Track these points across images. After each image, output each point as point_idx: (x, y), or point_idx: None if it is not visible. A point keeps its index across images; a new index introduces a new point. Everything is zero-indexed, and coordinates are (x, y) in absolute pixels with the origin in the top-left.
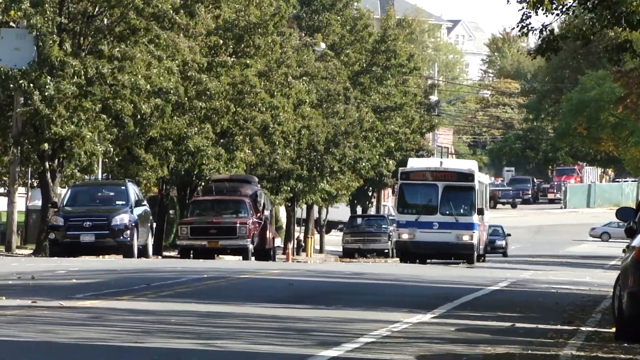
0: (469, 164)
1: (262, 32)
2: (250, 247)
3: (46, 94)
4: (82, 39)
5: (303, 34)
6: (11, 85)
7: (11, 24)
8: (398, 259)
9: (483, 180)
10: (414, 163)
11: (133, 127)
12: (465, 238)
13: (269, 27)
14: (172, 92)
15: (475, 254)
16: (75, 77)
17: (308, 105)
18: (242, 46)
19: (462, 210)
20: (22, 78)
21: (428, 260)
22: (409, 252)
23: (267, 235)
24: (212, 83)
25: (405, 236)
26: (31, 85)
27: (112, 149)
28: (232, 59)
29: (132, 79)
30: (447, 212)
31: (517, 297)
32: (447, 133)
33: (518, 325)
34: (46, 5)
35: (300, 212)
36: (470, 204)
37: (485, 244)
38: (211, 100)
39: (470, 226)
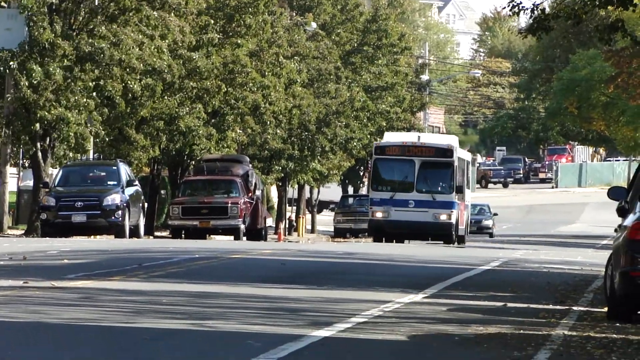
0: (448, 139)
1: (253, 11)
2: (242, 227)
3: (34, 81)
4: (72, 19)
5: (294, 14)
6: (4, 68)
7: (2, 3)
8: (371, 238)
9: (464, 156)
10: (389, 137)
11: (124, 108)
12: (443, 217)
13: (260, 6)
14: (165, 71)
15: (454, 234)
16: (65, 60)
17: (299, 84)
18: (233, 26)
19: (439, 188)
20: (11, 59)
21: (406, 241)
22: (384, 232)
23: (259, 215)
24: (202, 61)
25: (379, 215)
26: (19, 70)
27: (102, 131)
28: (219, 36)
29: (125, 58)
30: (424, 190)
31: (509, 276)
32: (439, 112)
33: (510, 305)
34: None
35: (292, 192)
36: (449, 182)
37: (467, 224)
38: (202, 80)
39: (448, 205)
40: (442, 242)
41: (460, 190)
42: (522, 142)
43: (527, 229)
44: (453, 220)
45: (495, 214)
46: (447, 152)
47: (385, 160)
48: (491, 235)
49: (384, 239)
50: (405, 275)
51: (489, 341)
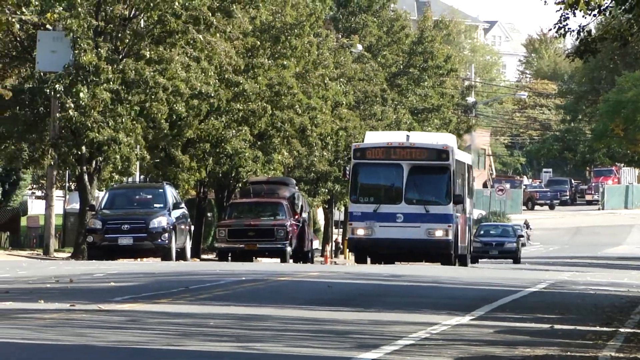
0: (444, 138)
1: (298, 33)
2: (289, 249)
3: (81, 102)
4: (118, 42)
5: (340, 36)
6: (46, 91)
7: (48, 26)
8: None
9: (464, 159)
10: (372, 137)
11: (168, 129)
12: (439, 234)
13: (305, 27)
14: (212, 95)
15: (454, 254)
16: (111, 83)
17: (345, 106)
18: (279, 47)
19: (434, 198)
20: (57, 82)
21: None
22: (367, 252)
23: (305, 238)
24: (248, 85)
25: (360, 232)
26: (65, 92)
27: (147, 155)
28: (269, 61)
29: (172, 83)
30: (415, 201)
31: (556, 298)
32: (485, 134)
33: (557, 326)
34: (80, 8)
35: (338, 214)
36: (445, 190)
37: (469, 242)
38: (248, 102)
39: (444, 218)
40: (439, 263)
41: (459, 200)
42: (569, 164)
43: (574, 251)
44: (451, 237)
45: (521, 236)
46: (442, 153)
47: (367, 166)
48: (516, 260)
49: (368, 260)
50: (451, 297)
51: None
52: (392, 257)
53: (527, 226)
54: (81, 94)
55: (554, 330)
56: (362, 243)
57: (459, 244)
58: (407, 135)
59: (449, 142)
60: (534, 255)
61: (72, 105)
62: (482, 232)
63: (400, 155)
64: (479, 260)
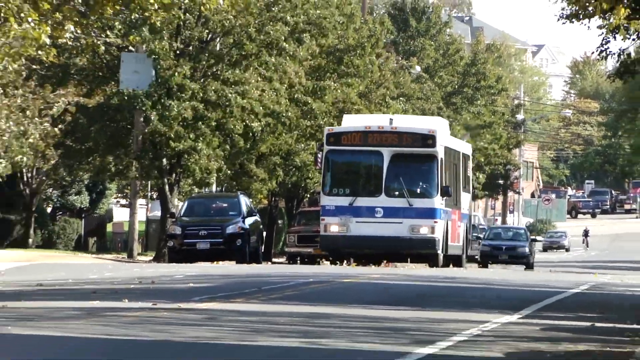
0: (432, 122)
1: (360, 53)
2: None
3: (168, 113)
4: (197, 63)
5: (400, 58)
6: (136, 106)
7: (130, 48)
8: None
9: (457, 147)
10: (349, 121)
11: (243, 144)
12: (424, 231)
13: (366, 48)
14: (283, 114)
15: (441, 254)
16: (193, 100)
17: None
18: (343, 67)
19: (418, 190)
20: (146, 98)
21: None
22: (341, 252)
23: None
24: (316, 104)
25: (334, 229)
26: (152, 106)
27: (224, 166)
28: (335, 84)
29: (247, 102)
30: (397, 193)
31: (597, 299)
32: (532, 149)
33: (597, 324)
34: (162, 31)
35: None
36: (431, 181)
37: (465, 242)
38: (316, 119)
39: (430, 213)
40: (425, 264)
41: (447, 192)
42: (609, 176)
43: (614, 256)
44: (437, 235)
45: (534, 239)
46: (428, 139)
47: (342, 153)
48: (528, 266)
49: (345, 261)
50: (501, 298)
51: (578, 358)
52: (369, 256)
53: (587, 234)
54: (172, 107)
55: (595, 328)
56: (336, 241)
57: (450, 243)
58: (391, 119)
59: (437, 127)
60: (576, 260)
61: (157, 116)
62: (491, 235)
63: (380, 140)
64: (488, 265)
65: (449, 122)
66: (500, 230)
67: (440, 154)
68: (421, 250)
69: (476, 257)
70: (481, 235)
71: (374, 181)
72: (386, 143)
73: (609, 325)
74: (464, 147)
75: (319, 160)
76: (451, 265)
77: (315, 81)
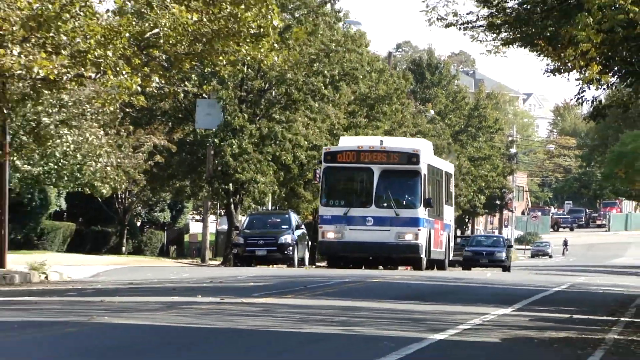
0: (417, 143)
1: (388, 102)
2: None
3: (233, 152)
4: (256, 107)
5: (417, 103)
6: (207, 143)
7: (204, 95)
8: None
9: (440, 166)
10: (345, 142)
11: (297, 171)
12: (408, 237)
13: (393, 98)
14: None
15: (424, 258)
16: (252, 137)
17: None
18: (374, 112)
19: (404, 202)
20: (214, 137)
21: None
22: (337, 256)
23: None
24: None
25: (330, 235)
26: (221, 143)
27: (278, 190)
28: (365, 120)
29: (294, 138)
30: (385, 204)
31: (574, 296)
32: (523, 176)
33: (575, 316)
34: (229, 83)
35: None
36: (415, 194)
37: (447, 248)
38: None
39: (414, 222)
40: (411, 267)
41: (429, 204)
42: (584, 198)
43: (588, 262)
44: (421, 241)
45: (510, 246)
46: (413, 157)
47: (338, 169)
48: (505, 268)
49: (339, 265)
50: (498, 295)
51: (560, 343)
52: (362, 260)
53: (566, 244)
54: (233, 146)
55: (573, 319)
56: (332, 246)
57: (432, 248)
58: (381, 140)
59: (421, 147)
60: (558, 264)
61: (230, 152)
62: (474, 242)
63: (371, 158)
64: (472, 268)
65: (457, 155)
66: (482, 238)
67: (424, 171)
68: (406, 255)
69: (456, 264)
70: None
71: (366, 194)
72: (376, 161)
73: (585, 317)
74: (447, 166)
75: (317, 175)
76: (435, 268)
77: (350, 119)
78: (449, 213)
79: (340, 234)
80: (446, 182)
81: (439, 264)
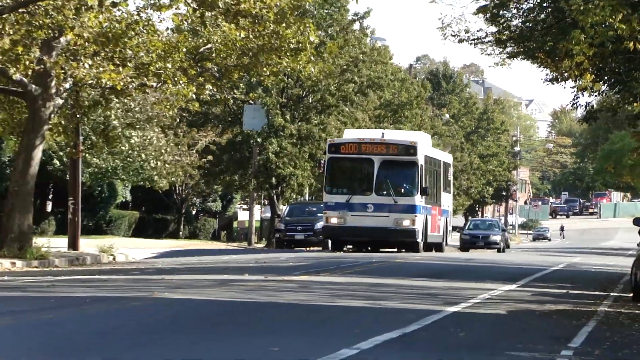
0: (414, 135)
1: (409, 107)
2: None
3: (274, 150)
4: (295, 111)
5: (434, 108)
6: (252, 142)
7: (250, 101)
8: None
9: (438, 156)
10: (349, 134)
11: None
12: (406, 223)
13: (414, 104)
14: None
15: (421, 242)
16: (292, 137)
17: None
18: (397, 116)
19: (402, 190)
20: (259, 137)
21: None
22: (340, 240)
23: None
24: None
25: (334, 220)
26: (263, 142)
27: (314, 182)
28: (390, 125)
29: (327, 135)
30: (384, 192)
31: (570, 274)
32: (525, 170)
33: (571, 291)
34: (272, 91)
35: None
36: (413, 183)
37: (444, 232)
38: None
39: (411, 209)
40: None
41: (426, 193)
42: (579, 189)
43: (582, 244)
44: (417, 227)
45: (504, 230)
46: (410, 149)
47: (341, 160)
48: (500, 250)
49: (340, 248)
50: (505, 273)
51: (558, 314)
52: (363, 244)
53: (562, 229)
54: (274, 144)
55: (570, 294)
56: (336, 231)
57: (430, 233)
58: (382, 133)
59: (419, 139)
60: (556, 247)
61: (273, 150)
62: (471, 226)
63: (372, 150)
64: (470, 250)
65: (468, 153)
66: (479, 222)
67: (421, 161)
68: (404, 239)
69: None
70: None
71: (366, 182)
72: (376, 152)
73: (579, 292)
74: (445, 156)
75: (322, 165)
76: (433, 250)
77: (377, 123)
78: (447, 200)
79: (342, 220)
80: (444, 172)
81: (437, 247)
